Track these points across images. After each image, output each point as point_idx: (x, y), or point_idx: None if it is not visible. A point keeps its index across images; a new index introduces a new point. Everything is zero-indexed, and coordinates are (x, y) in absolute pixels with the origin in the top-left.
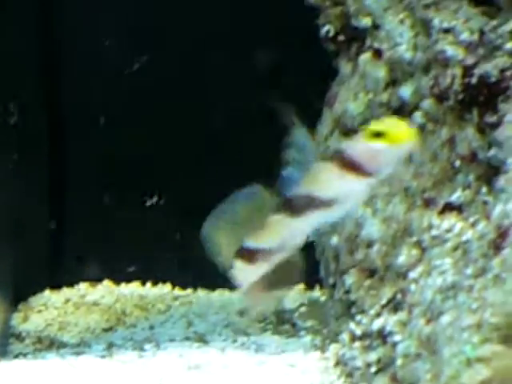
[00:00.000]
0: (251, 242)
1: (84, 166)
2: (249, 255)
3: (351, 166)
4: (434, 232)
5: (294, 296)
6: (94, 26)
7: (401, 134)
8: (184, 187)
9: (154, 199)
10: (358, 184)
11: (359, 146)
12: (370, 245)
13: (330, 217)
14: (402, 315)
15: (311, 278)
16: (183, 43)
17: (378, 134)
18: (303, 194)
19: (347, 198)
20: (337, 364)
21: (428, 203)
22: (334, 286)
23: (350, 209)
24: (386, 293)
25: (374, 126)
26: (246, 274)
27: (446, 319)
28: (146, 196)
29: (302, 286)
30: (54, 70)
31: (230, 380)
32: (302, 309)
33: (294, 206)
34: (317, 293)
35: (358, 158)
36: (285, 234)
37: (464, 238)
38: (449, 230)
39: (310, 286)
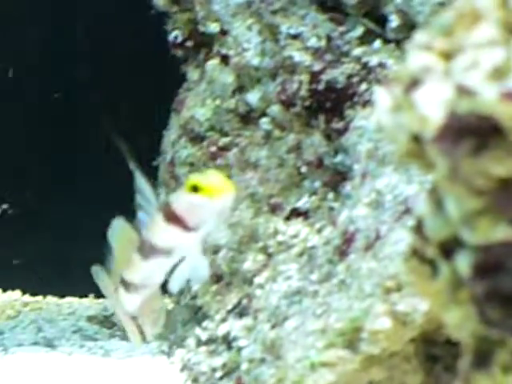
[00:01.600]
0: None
1: None
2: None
3: (175, 218)
4: (280, 237)
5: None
6: None
7: (217, 187)
8: (31, 198)
9: (3, 207)
10: (184, 237)
11: (180, 200)
12: (216, 250)
13: (171, 263)
14: (247, 320)
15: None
16: None
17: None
18: (147, 240)
19: (180, 249)
20: (183, 369)
21: (274, 209)
22: (180, 292)
23: (190, 257)
24: (232, 298)
25: (195, 178)
26: (126, 300)
27: (290, 324)
28: None
29: None
30: None
31: (78, 382)
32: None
33: (143, 250)
34: (164, 300)
35: (179, 211)
36: (142, 273)
37: (310, 244)
38: (295, 236)
39: None
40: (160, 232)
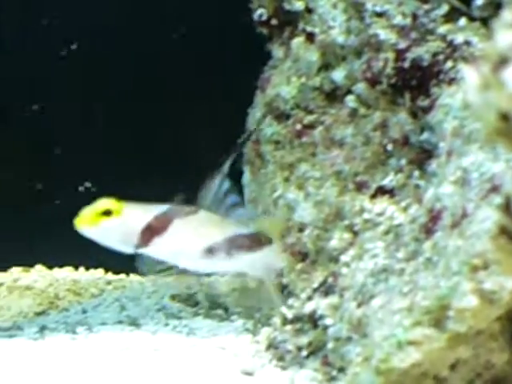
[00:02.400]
0: None
1: (16, 150)
2: None
3: None
4: (366, 215)
5: (227, 280)
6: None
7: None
8: (117, 175)
9: (88, 185)
10: None
11: None
12: (301, 228)
13: None
14: (333, 299)
15: None
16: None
17: None
18: None
19: None
20: (268, 347)
21: (360, 187)
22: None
23: None
24: (318, 276)
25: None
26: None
27: (377, 302)
28: (80, 182)
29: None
30: None
31: (161, 362)
32: (235, 293)
33: None
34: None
35: None
36: None
37: (396, 222)
38: (381, 214)
39: None
40: None
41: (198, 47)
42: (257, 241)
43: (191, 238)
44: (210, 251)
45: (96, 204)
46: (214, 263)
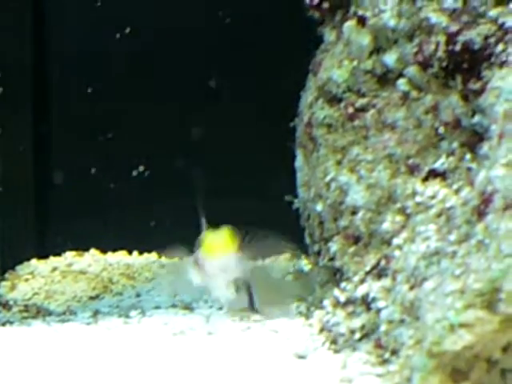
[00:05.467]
0: None
1: (71, 135)
2: None
3: None
4: (418, 198)
5: (280, 264)
6: None
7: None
8: (169, 161)
9: (140, 170)
10: None
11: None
12: (354, 212)
13: None
14: (385, 281)
15: (297, 247)
16: None
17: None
18: None
19: None
20: (321, 330)
21: (412, 170)
22: (318, 252)
23: None
24: (370, 259)
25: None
26: None
27: (429, 285)
28: (133, 167)
29: (287, 254)
30: (41, 37)
31: (215, 346)
32: (288, 277)
33: None
34: (302, 261)
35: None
36: None
37: (448, 205)
38: (433, 197)
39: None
40: None
41: (250, 31)
42: None
43: None
44: None
45: (224, 233)
46: None
